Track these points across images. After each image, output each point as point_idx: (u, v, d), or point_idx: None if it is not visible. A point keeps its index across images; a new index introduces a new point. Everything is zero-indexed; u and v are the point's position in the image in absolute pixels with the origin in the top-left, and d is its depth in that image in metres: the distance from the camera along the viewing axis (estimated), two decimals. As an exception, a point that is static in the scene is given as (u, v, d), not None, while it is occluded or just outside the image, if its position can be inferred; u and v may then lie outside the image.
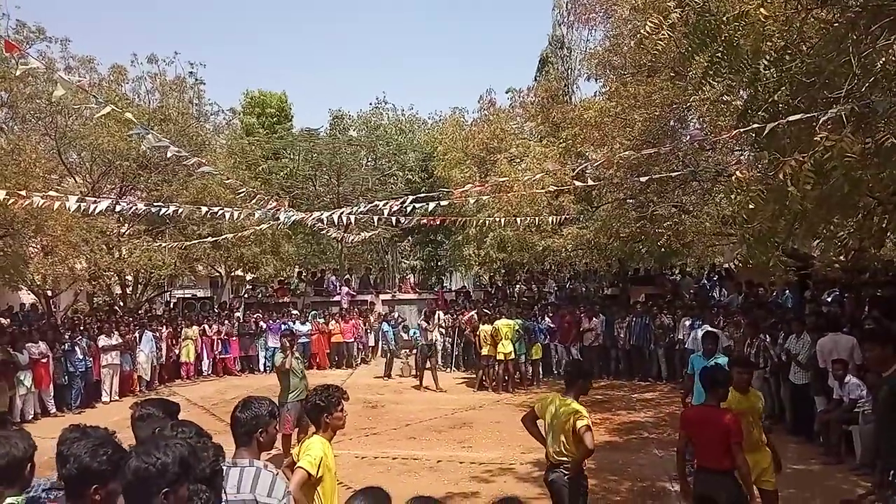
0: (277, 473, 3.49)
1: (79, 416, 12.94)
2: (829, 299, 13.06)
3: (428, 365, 15.84)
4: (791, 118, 4.35)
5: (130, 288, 20.51)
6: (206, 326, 18.13)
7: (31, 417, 12.55)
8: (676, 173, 11.21)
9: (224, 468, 3.19)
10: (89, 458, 2.62)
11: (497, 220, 15.30)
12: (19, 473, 2.97)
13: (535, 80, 25.13)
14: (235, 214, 12.33)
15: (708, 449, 4.96)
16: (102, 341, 14.50)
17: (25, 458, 3.03)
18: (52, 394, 13.34)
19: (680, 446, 5.39)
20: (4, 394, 12.13)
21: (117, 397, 14.62)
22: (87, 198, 12.41)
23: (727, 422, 4.85)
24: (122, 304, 20.03)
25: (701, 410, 5.31)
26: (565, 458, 5.23)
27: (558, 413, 5.28)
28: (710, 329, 10.73)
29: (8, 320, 16.20)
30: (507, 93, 23.02)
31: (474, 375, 15.90)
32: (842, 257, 12.35)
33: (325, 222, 15.29)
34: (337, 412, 4.26)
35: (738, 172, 4.98)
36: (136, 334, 15.62)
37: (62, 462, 2.75)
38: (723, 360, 8.36)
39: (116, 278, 19.49)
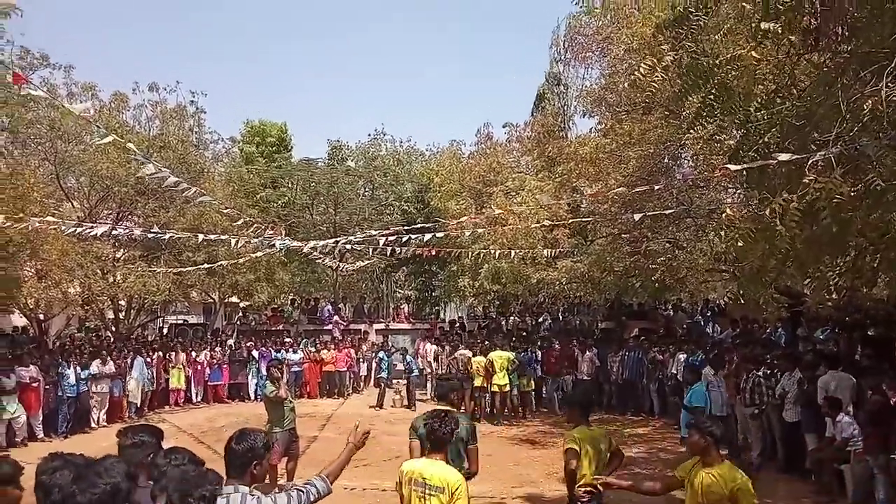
0: (261, 496, 3.52)
1: (67, 441, 12.81)
2: (821, 337, 13.11)
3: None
4: (781, 158, 4.44)
5: (123, 313, 20.44)
6: (194, 353, 18.02)
7: (19, 442, 12.39)
8: (670, 211, 11.32)
9: None
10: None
11: (492, 252, 15.37)
12: None
13: (532, 115, 25.39)
14: (232, 242, 12.37)
15: None
16: (95, 367, 14.40)
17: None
18: (41, 419, 13.21)
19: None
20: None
21: (105, 423, 14.49)
22: (83, 223, 12.47)
23: None
24: (114, 329, 19.94)
25: None
26: None
27: (605, 439, 5.46)
28: (690, 363, 10.90)
29: (-2, 343, 16.11)
30: (504, 127, 23.32)
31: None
32: (833, 296, 12.47)
33: (319, 251, 15.37)
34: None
35: (727, 210, 5.06)
36: (129, 360, 15.52)
37: (46, 492, 2.75)
38: (699, 388, 8.57)
39: (109, 303, 19.44)
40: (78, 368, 13.97)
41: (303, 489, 3.69)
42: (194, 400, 17.92)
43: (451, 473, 4.27)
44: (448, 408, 5.18)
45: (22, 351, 14.46)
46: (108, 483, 2.55)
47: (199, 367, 17.97)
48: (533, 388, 16.15)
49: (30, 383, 12.81)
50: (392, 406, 17.26)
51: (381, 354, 18.67)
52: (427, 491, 4.18)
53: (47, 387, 13.42)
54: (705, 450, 4.52)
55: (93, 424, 14.35)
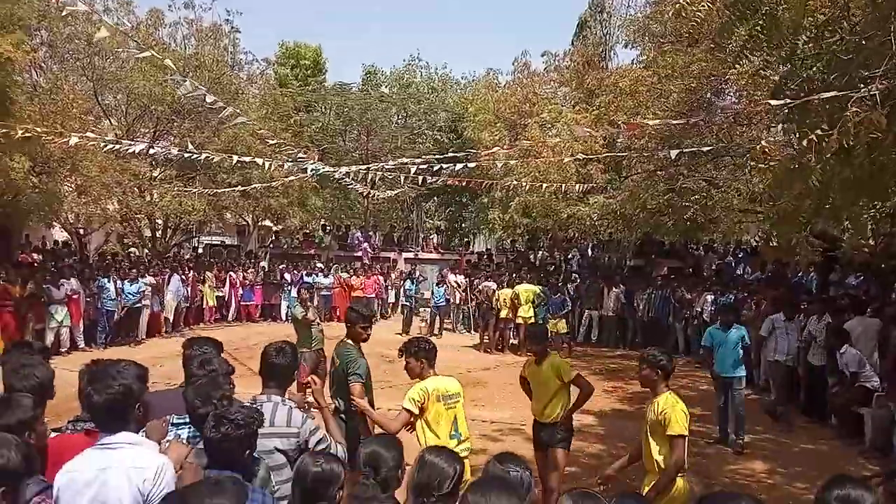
0: (293, 407, 3.74)
1: (106, 352, 13.36)
2: (854, 283, 12.92)
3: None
4: (824, 95, 4.29)
5: (160, 231, 20.91)
6: (232, 273, 18.48)
7: (63, 351, 12.97)
8: (708, 148, 11.06)
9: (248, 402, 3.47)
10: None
11: (523, 184, 15.24)
12: (45, 397, 3.22)
13: (572, 44, 24.70)
14: (265, 165, 12.46)
15: None
16: (144, 281, 14.91)
17: (48, 381, 3.29)
18: (81, 329, 13.78)
19: None
20: (28, 325, 12.54)
21: (144, 336, 15.09)
22: (121, 140, 12.64)
23: None
24: (151, 246, 20.45)
25: None
26: None
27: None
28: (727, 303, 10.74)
29: (40, 256, 16.65)
30: (542, 56, 22.71)
31: (487, 338, 15.98)
32: (871, 241, 12.21)
33: (351, 177, 15.41)
34: None
35: (762, 143, 4.92)
36: (165, 277, 15.98)
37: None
38: (743, 330, 8.53)
39: (147, 221, 19.87)
40: (119, 282, 14.42)
41: (327, 439, 3.74)
42: (228, 319, 18.48)
43: (452, 379, 4.76)
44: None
45: (63, 264, 14.97)
46: (121, 384, 2.72)
47: (233, 287, 18.47)
48: (566, 330, 15.40)
49: (70, 295, 13.31)
50: (419, 333, 17.59)
51: (407, 283, 18.88)
52: (451, 401, 4.60)
53: (88, 299, 13.93)
54: (655, 382, 4.59)
55: (137, 337, 14.91)
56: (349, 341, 5.34)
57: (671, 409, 4.38)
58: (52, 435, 3.21)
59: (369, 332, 5.40)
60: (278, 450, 3.53)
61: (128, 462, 2.67)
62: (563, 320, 15.39)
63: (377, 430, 4.67)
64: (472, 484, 2.45)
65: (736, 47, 6.38)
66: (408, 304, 18.27)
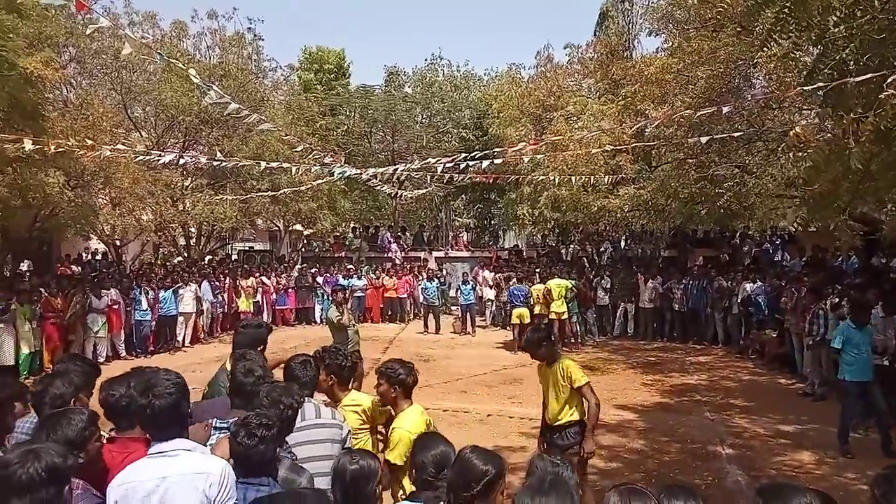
0: (332, 409, 4.09)
1: (146, 360, 13.58)
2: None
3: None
4: (859, 78, 4.15)
5: (194, 239, 21.23)
6: (264, 278, 18.68)
7: (102, 360, 13.21)
8: (739, 133, 10.82)
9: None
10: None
11: (551, 178, 15.11)
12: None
13: (595, 34, 24.44)
14: (293, 169, 12.56)
15: None
16: (187, 291, 15.25)
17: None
18: (122, 339, 14.03)
19: None
20: (76, 337, 12.90)
21: (189, 343, 15.39)
22: (152, 151, 12.86)
23: None
24: (186, 255, 20.78)
25: None
26: None
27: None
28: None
29: (79, 268, 17.00)
30: (565, 49, 22.53)
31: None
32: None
33: (378, 178, 15.45)
34: None
35: (797, 128, 4.78)
36: (198, 284, 16.19)
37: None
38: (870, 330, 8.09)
39: (181, 230, 20.19)
40: (150, 293, 14.61)
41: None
42: (263, 322, 18.63)
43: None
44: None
45: (103, 274, 15.26)
46: (175, 385, 2.82)
47: (269, 292, 18.67)
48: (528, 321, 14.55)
49: (111, 305, 13.56)
50: (452, 332, 17.62)
51: (424, 283, 18.83)
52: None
53: (128, 309, 14.18)
54: (395, 399, 4.09)
55: (177, 344, 15.13)
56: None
57: (400, 432, 3.84)
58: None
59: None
60: (331, 442, 3.71)
61: (188, 468, 2.65)
62: (527, 309, 14.97)
63: None
64: (525, 488, 2.37)
65: (763, 31, 6.22)
66: (424, 303, 18.30)
